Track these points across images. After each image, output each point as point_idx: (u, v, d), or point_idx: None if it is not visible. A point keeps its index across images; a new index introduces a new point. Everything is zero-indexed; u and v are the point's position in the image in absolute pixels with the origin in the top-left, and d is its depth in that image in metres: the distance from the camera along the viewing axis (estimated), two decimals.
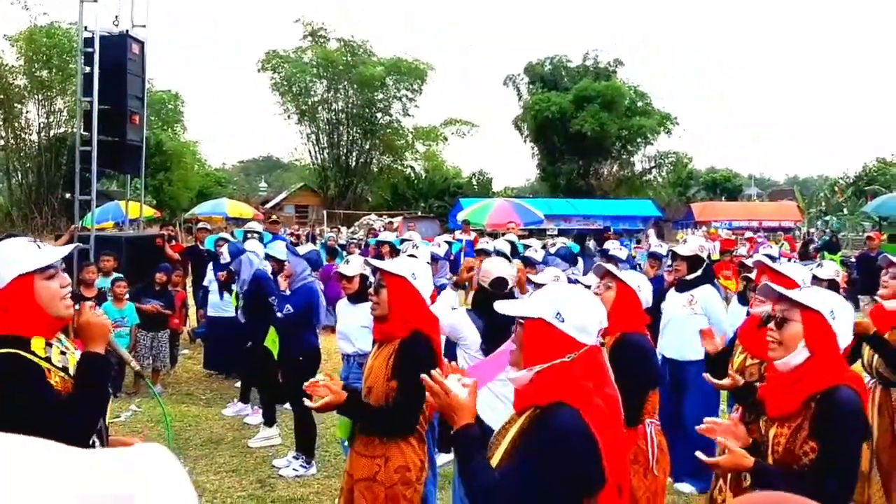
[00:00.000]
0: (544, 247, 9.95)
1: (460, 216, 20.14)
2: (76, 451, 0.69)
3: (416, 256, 5.64)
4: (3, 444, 0.66)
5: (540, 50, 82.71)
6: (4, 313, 2.24)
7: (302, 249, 6.75)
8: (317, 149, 40.83)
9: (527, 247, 8.85)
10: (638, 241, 20.10)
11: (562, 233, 18.26)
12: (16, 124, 32.33)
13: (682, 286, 5.70)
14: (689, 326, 5.40)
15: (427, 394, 2.26)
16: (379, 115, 40.01)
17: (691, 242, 6.37)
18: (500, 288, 4.19)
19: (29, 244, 2.38)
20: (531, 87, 41.84)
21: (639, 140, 40.15)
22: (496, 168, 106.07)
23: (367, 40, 39.72)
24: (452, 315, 4.30)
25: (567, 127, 37.98)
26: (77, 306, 2.44)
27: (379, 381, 3.15)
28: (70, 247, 2.80)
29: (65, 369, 2.33)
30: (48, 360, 2.28)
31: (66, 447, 0.69)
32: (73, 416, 2.23)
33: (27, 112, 32.53)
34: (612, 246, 9.32)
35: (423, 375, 2.24)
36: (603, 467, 2.02)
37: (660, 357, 5.23)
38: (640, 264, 10.26)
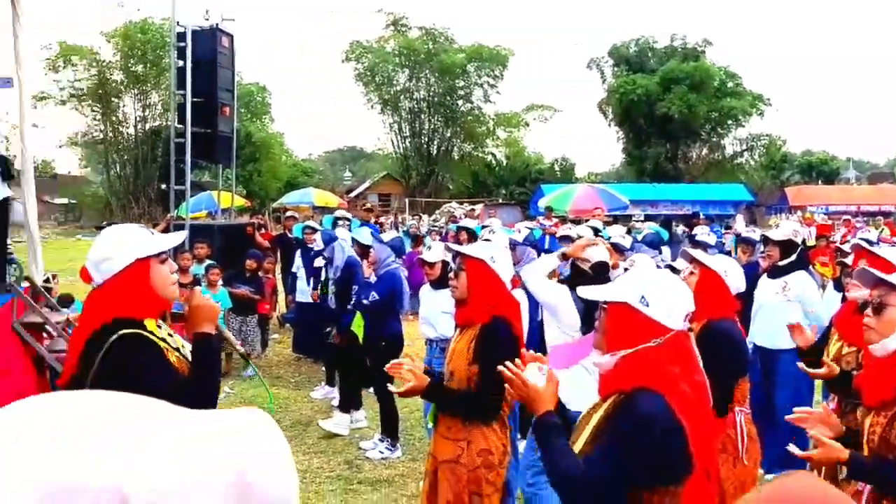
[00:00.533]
0: (629, 232, 9.78)
1: (542, 202, 19.84)
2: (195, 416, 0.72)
3: (490, 241, 5.64)
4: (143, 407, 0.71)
5: (623, 33, 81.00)
6: (120, 295, 2.34)
7: (386, 237, 6.84)
8: (399, 138, 41.27)
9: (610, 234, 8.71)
10: (728, 227, 19.48)
11: (648, 218, 17.77)
12: (113, 118, 33.97)
13: (776, 272, 5.52)
14: (780, 313, 5.22)
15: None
16: (460, 102, 40.07)
17: (784, 227, 6.16)
18: (601, 272, 4.12)
19: (143, 230, 2.52)
20: (616, 69, 41.01)
21: (729, 122, 38.80)
22: (579, 153, 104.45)
23: (448, 28, 39.87)
24: (556, 291, 4.18)
25: (653, 110, 37.12)
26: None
27: (461, 365, 3.18)
28: (182, 234, 2.92)
29: (177, 349, 2.44)
30: (163, 339, 2.40)
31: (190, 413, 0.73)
32: (196, 395, 2.27)
33: (124, 106, 34.21)
34: (701, 231, 9.08)
35: (500, 368, 2.25)
36: (689, 454, 1.98)
37: (750, 345, 5.08)
38: (730, 250, 9.97)
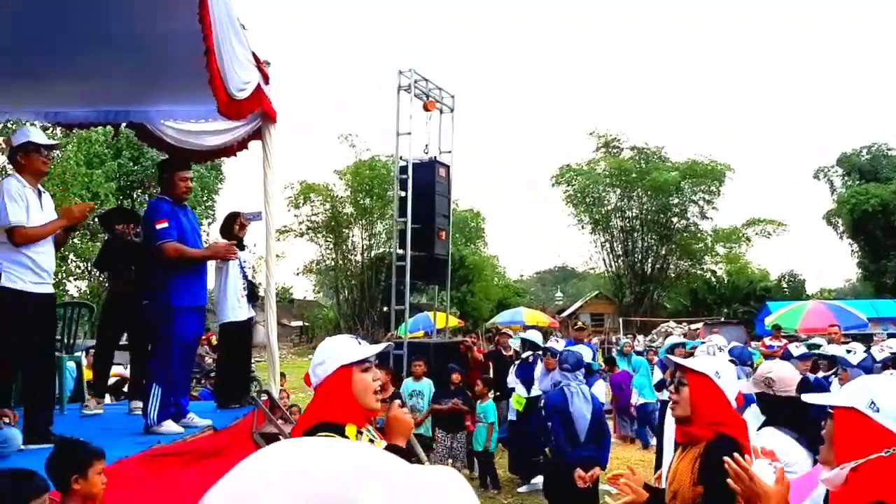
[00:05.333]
0: (867, 351, 8.87)
1: (769, 320, 18.94)
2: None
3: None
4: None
5: (853, 141, 75.64)
6: (326, 401, 2.54)
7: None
8: (611, 257, 40.94)
9: (848, 352, 7.97)
10: None
11: (892, 337, 16.09)
12: (343, 247, 36.97)
13: None
14: None
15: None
16: (675, 219, 39.23)
17: None
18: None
19: (350, 340, 2.72)
20: (846, 178, 38.53)
21: None
22: (809, 268, 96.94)
23: (661, 146, 39.60)
24: (772, 442, 3.73)
25: (892, 220, 34.14)
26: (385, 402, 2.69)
27: (684, 485, 3.00)
28: (384, 344, 3.13)
29: None
30: None
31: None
32: None
33: (353, 236, 37.16)
34: None
35: (726, 459, 2.13)
36: None
37: None
38: None
